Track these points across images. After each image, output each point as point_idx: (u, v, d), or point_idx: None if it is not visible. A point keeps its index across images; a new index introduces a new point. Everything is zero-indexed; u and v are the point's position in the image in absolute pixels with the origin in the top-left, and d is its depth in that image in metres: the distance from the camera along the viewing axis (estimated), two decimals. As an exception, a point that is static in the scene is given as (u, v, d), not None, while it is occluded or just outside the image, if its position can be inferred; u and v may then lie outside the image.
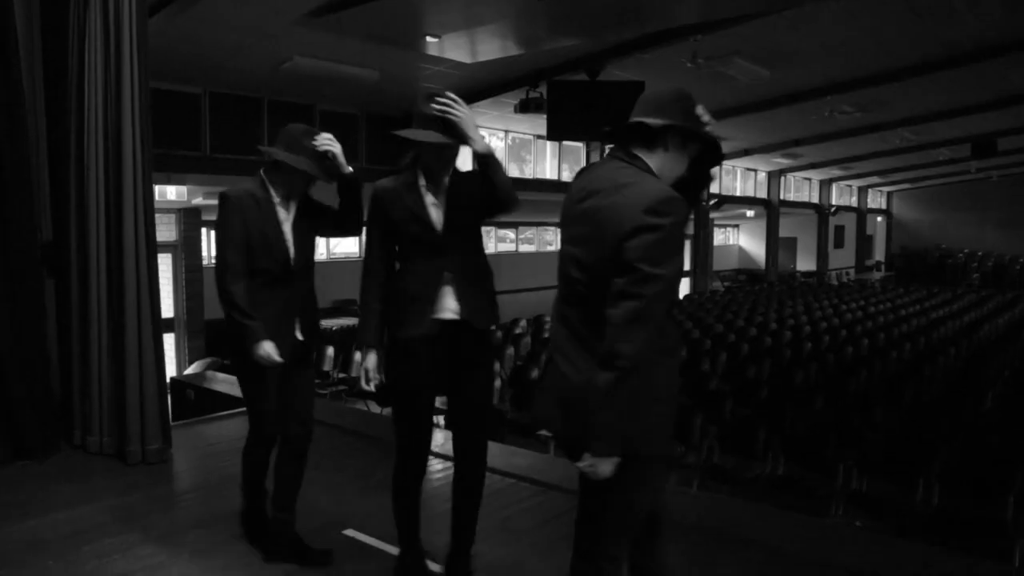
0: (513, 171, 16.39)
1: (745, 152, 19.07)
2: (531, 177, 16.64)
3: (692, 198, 2.23)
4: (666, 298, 1.97)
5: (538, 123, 12.07)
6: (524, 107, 10.53)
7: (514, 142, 16.46)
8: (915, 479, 4.85)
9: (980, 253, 29.89)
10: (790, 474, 5.47)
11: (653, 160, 2.13)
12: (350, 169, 3.04)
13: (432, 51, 9.30)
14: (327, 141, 2.98)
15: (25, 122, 4.63)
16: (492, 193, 2.68)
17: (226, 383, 7.48)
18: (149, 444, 4.52)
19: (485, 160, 2.63)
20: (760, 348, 10.11)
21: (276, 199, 3.10)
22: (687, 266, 22.81)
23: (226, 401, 6.58)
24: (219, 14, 7.37)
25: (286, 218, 3.10)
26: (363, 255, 3.01)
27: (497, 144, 16.05)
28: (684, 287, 22.97)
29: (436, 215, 2.79)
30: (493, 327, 3.03)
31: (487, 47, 9.38)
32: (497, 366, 8.23)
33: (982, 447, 5.07)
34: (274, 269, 3.06)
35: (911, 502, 4.79)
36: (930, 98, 14.12)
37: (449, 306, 2.81)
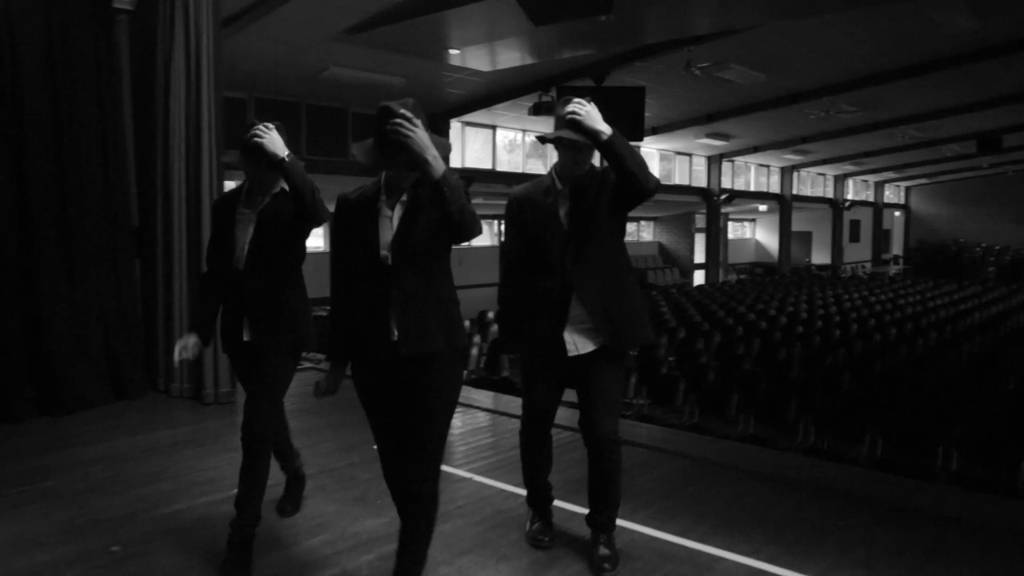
0: (536, 165, 17.38)
1: (754, 149, 19.90)
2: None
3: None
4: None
5: (552, 124, 13.07)
6: (537, 110, 11.57)
7: (533, 143, 17.48)
8: (935, 448, 5.51)
9: (997, 247, 30.33)
10: (817, 445, 6.29)
11: None
12: (280, 155, 2.82)
13: (454, 61, 10.35)
14: (256, 131, 2.84)
15: (125, 141, 5.81)
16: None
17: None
18: (220, 388, 5.64)
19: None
20: (753, 331, 11.05)
21: (242, 196, 3.09)
22: (700, 258, 23.69)
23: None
24: (269, 32, 8.49)
25: (243, 214, 3.05)
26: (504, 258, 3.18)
27: (508, 139, 17.09)
28: (699, 278, 23.84)
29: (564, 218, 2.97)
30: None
31: (505, 57, 10.41)
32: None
33: (999, 419, 5.80)
34: (225, 267, 3.07)
35: (931, 468, 5.43)
36: (929, 96, 14.72)
37: (575, 314, 2.93)
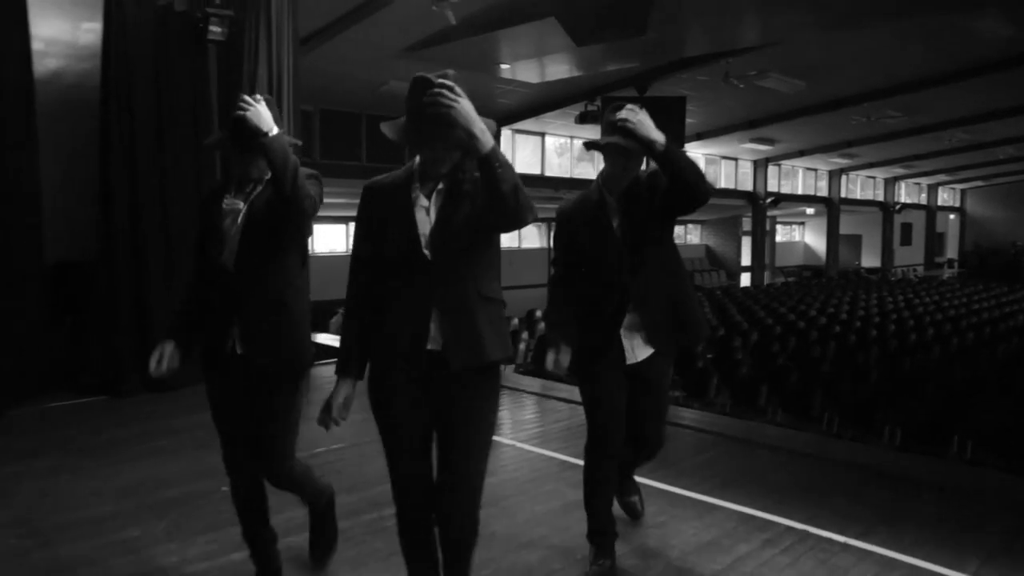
0: (588, 170, 17.98)
1: (800, 153, 20.16)
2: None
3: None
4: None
5: (598, 131, 13.70)
6: (582, 119, 12.20)
7: (584, 147, 18.07)
8: (950, 438, 5.96)
9: (1058, 251, 29.81)
10: (840, 435, 6.74)
11: None
12: (264, 129, 2.37)
13: (505, 75, 11.04)
14: (240, 103, 2.41)
15: (215, 162, 6.64)
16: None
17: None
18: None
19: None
20: (791, 330, 11.47)
21: (231, 185, 2.66)
22: (747, 261, 23.96)
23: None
24: (337, 51, 9.29)
25: (231, 205, 2.60)
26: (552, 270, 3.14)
27: (559, 143, 17.71)
28: (745, 280, 24.11)
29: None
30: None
31: (553, 70, 11.08)
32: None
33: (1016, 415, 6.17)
34: (212, 267, 2.59)
35: (946, 456, 5.85)
36: (972, 100, 14.81)
37: (631, 322, 2.90)
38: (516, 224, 2.01)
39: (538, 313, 13.53)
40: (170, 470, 4.15)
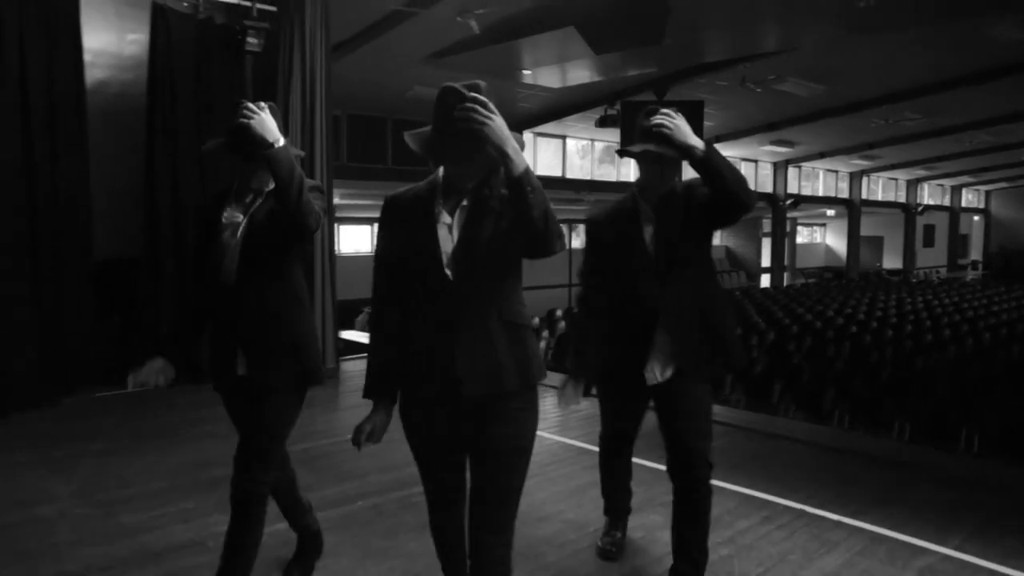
0: (609, 171, 18.26)
1: (820, 155, 20.26)
2: (618, 180, 18.51)
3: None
4: None
5: (618, 135, 13.98)
6: (602, 123, 12.46)
7: (605, 148, 18.37)
8: (957, 434, 6.19)
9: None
10: (851, 430, 6.96)
11: None
12: (269, 140, 2.26)
13: (527, 80, 11.35)
14: (244, 111, 2.30)
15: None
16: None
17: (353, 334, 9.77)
18: (327, 364, 6.75)
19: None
20: (807, 330, 11.67)
21: (231, 196, 2.57)
22: (766, 262, 24.07)
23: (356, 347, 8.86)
24: (365, 58, 9.64)
25: (231, 217, 2.52)
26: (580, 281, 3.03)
27: (580, 144, 17.99)
28: (766, 282, 24.22)
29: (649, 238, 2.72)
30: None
31: (574, 75, 11.37)
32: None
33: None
34: (212, 282, 2.52)
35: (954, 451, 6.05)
36: (993, 102, 14.83)
37: (660, 341, 2.74)
38: (544, 252, 1.90)
39: (558, 312, 13.85)
40: (219, 451, 4.44)
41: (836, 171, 24.33)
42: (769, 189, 21.90)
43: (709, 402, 2.80)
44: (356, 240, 17.94)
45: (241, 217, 2.49)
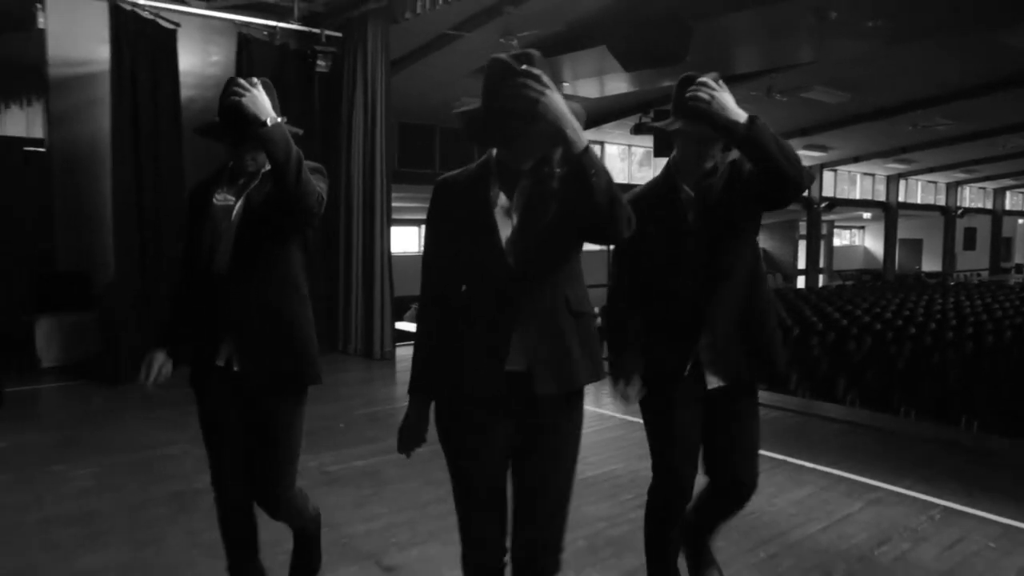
0: (648, 174, 18.95)
1: (855, 159, 20.68)
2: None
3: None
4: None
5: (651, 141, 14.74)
6: (637, 130, 13.25)
7: (644, 152, 19.09)
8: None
9: None
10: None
11: None
12: (261, 118, 2.08)
13: (567, 91, 12.16)
14: (235, 88, 2.11)
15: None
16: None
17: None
18: (385, 347, 7.65)
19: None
20: (832, 327, 12.24)
21: (224, 179, 2.39)
22: (801, 264, 24.48)
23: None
24: (418, 73, 10.59)
25: (224, 201, 2.33)
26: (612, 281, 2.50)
27: (619, 149, 18.72)
28: (802, 283, 24.62)
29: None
30: None
31: (611, 87, 12.18)
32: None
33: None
34: (202, 270, 2.33)
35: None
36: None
37: (705, 343, 2.39)
38: (610, 237, 1.79)
39: (596, 309, 14.58)
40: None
41: (872, 174, 24.64)
42: (804, 192, 22.30)
43: (756, 415, 2.46)
44: (404, 241, 19.00)
45: (235, 200, 2.30)
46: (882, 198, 25.38)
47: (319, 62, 7.66)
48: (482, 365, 1.86)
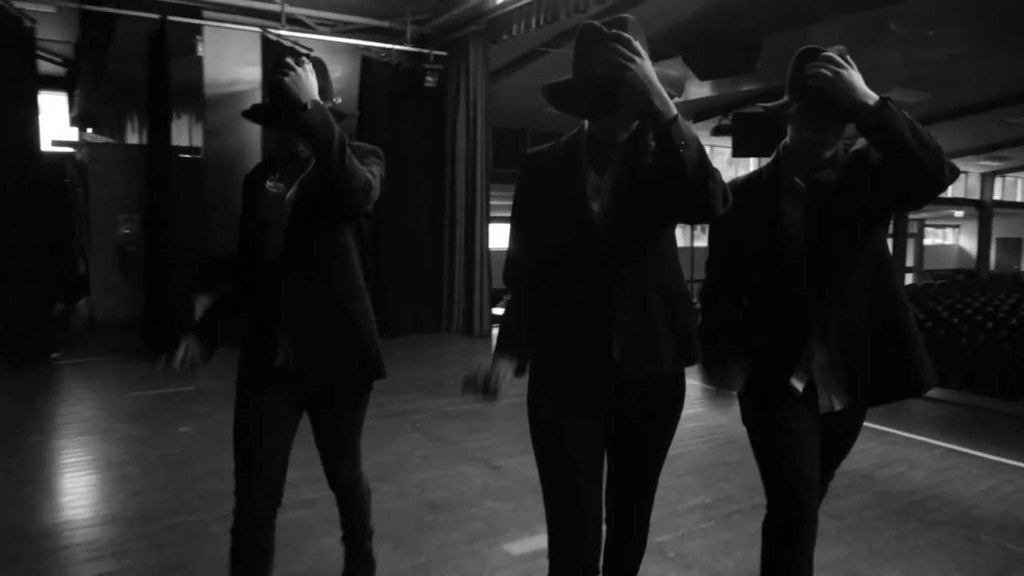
0: (728, 173, 19.51)
1: (943, 157, 20.54)
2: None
3: None
4: None
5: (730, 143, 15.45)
6: (716, 132, 13.96)
7: (728, 155, 19.68)
8: None
9: None
10: None
11: None
12: (303, 100, 1.90)
13: (649, 95, 13.01)
14: (282, 67, 1.95)
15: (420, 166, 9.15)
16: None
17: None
18: (484, 326, 8.75)
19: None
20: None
21: (276, 165, 2.27)
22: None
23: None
24: (512, 83, 11.66)
25: (276, 188, 2.22)
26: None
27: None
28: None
29: None
30: None
31: (693, 92, 12.97)
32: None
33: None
34: (255, 261, 2.25)
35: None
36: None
37: (819, 360, 2.07)
38: (703, 215, 1.70)
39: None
40: (415, 376, 6.58)
41: (966, 172, 24.30)
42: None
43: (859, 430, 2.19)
44: (498, 237, 20.20)
45: (287, 187, 2.20)
46: (976, 196, 24.98)
47: (427, 78, 8.82)
48: (574, 349, 1.79)
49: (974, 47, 9.99)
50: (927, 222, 27.31)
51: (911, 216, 23.15)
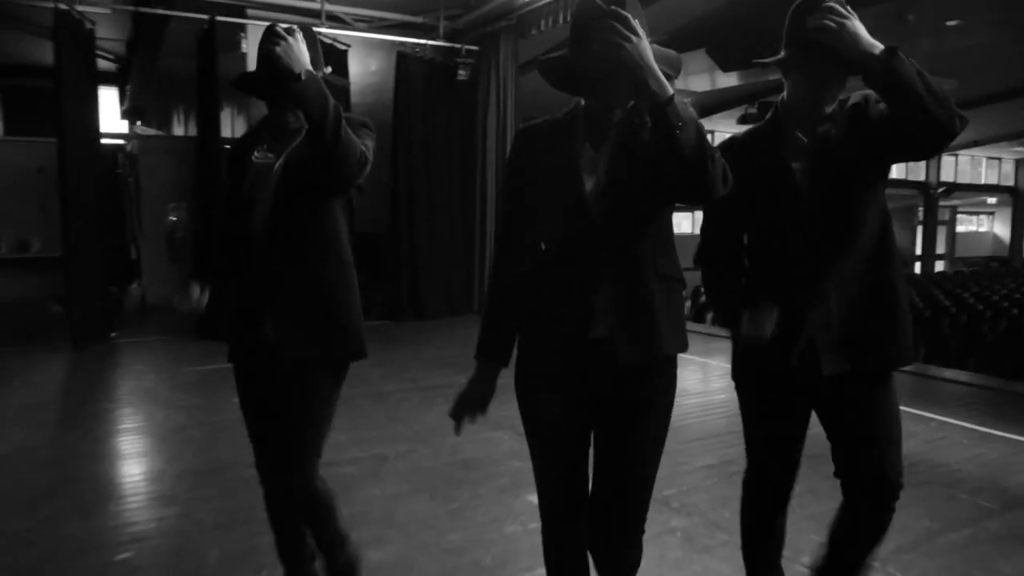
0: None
1: (975, 143, 20.49)
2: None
3: None
4: None
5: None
6: (743, 120, 14.14)
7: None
8: None
9: None
10: None
11: None
12: (295, 70, 1.87)
13: (678, 85, 13.29)
14: (272, 36, 1.92)
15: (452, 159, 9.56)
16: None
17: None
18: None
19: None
20: (932, 306, 12.80)
21: (262, 136, 2.22)
22: (918, 251, 24.31)
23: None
24: (538, 76, 12.02)
25: (263, 159, 2.17)
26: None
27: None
28: (916, 269, 24.46)
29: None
30: None
31: (720, 82, 13.25)
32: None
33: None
34: (239, 234, 2.19)
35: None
36: None
37: (819, 319, 2.02)
38: (700, 196, 1.70)
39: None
40: (449, 354, 7.02)
41: (998, 158, 24.11)
42: (921, 177, 22.26)
43: (894, 400, 2.06)
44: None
45: (275, 158, 2.14)
46: (1010, 182, 24.77)
47: (460, 72, 9.22)
48: (564, 331, 1.74)
49: (998, 35, 10.06)
50: (959, 209, 27.10)
51: (942, 203, 23.07)
